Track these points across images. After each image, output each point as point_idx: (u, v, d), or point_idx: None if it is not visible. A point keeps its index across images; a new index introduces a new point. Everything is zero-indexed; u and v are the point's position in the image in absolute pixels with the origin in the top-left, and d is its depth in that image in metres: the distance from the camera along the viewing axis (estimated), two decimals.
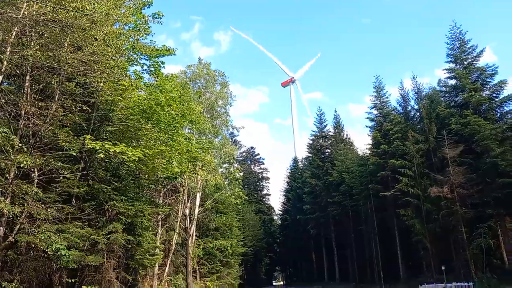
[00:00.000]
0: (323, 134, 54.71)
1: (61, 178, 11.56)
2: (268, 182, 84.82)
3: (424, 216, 30.11)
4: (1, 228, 9.86)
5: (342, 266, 46.00)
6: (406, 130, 33.51)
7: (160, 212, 19.22)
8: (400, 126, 34.24)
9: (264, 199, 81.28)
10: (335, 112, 75.50)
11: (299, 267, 67.38)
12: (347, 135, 56.05)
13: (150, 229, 16.59)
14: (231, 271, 35.75)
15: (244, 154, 79.25)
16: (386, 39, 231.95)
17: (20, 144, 8.87)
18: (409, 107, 37.20)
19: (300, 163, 70.80)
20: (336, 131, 53.93)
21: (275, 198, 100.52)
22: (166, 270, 22.38)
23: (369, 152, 39.02)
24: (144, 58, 14.81)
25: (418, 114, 36.13)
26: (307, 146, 56.67)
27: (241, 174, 45.83)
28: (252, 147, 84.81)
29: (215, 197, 30.66)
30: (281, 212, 76.00)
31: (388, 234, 35.60)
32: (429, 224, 29.68)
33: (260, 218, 69.54)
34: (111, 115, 14.11)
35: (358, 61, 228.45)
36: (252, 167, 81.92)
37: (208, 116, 29.45)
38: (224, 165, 31.88)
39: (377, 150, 35.54)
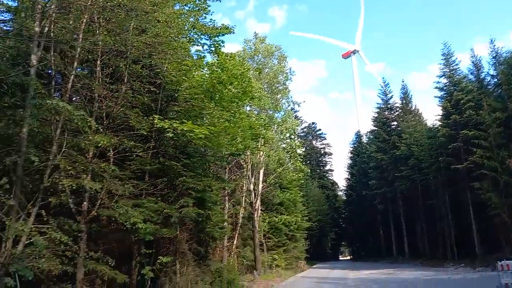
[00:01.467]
0: (389, 106, 52.32)
1: (134, 156, 12.27)
2: (331, 158, 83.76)
3: (501, 189, 28.00)
4: (85, 203, 10.75)
5: (411, 241, 44.56)
6: (479, 98, 30.96)
7: (226, 188, 19.80)
8: (473, 95, 31.72)
9: (327, 175, 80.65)
10: (402, 82, 72.00)
11: (366, 242, 66.43)
12: (415, 106, 53.17)
13: (218, 203, 17.20)
14: (297, 245, 36.21)
15: (305, 129, 78.79)
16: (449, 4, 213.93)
17: (96, 125, 9.49)
18: (483, 74, 34.24)
19: (363, 137, 68.82)
20: (404, 102, 51.28)
21: (338, 173, 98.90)
22: (235, 242, 23.18)
23: (439, 123, 36.77)
24: (204, 38, 15.04)
25: (494, 81, 33.14)
26: (372, 119, 54.74)
27: (303, 149, 45.67)
28: (313, 123, 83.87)
29: (277, 172, 30.93)
30: (345, 188, 74.94)
31: (461, 208, 33.68)
32: (508, 197, 27.56)
33: (324, 194, 69.21)
34: (176, 95, 14.60)
35: (420, 29, 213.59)
36: (313, 142, 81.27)
37: (268, 92, 29.44)
38: (286, 141, 31.90)
39: (448, 121, 33.36)
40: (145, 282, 12.70)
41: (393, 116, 51.58)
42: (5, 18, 10.96)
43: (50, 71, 11.07)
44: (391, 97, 52.33)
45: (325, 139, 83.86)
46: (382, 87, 52.75)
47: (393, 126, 50.69)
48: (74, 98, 12.22)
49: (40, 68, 9.80)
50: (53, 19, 9.84)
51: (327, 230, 68.75)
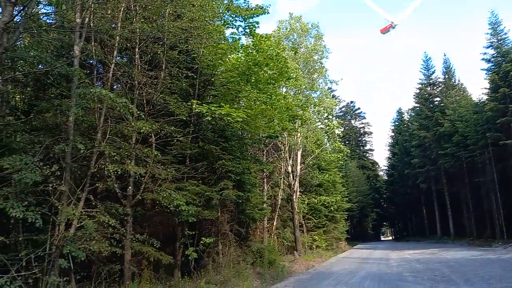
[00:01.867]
0: (431, 81, 50.10)
1: (175, 141, 12.55)
2: (371, 137, 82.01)
3: None
4: (130, 187, 11.17)
5: (456, 221, 43.13)
6: None
7: (265, 170, 19.93)
8: None
9: (367, 155, 79.19)
10: (444, 56, 68.48)
11: (408, 222, 65.18)
12: (458, 80, 50.68)
13: (257, 185, 17.37)
14: (337, 226, 36.05)
15: (343, 109, 77.30)
16: None
17: (138, 112, 9.76)
18: None
19: (405, 114, 66.64)
20: (446, 77, 48.97)
21: (378, 153, 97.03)
22: (274, 224, 23.41)
23: (486, 97, 34.83)
24: (239, 20, 14.94)
25: None
26: (413, 95, 52.71)
27: (342, 129, 44.92)
28: (351, 101, 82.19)
29: (316, 153, 30.68)
30: (386, 167, 73.39)
31: (510, 185, 32.11)
32: None
33: (364, 174, 68.12)
34: (212, 79, 14.69)
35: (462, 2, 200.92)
36: (352, 122, 79.72)
37: (304, 71, 29.01)
38: (324, 121, 31.49)
39: (496, 94, 31.50)
40: (189, 262, 13.12)
41: (436, 92, 49.44)
42: (48, 11, 11.37)
43: (91, 61, 11.44)
44: (433, 72, 50.09)
45: (364, 118, 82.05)
46: (424, 61, 50.52)
47: (436, 102, 48.63)
48: (115, 86, 12.60)
49: (82, 58, 10.15)
50: (92, 9, 10.09)
51: (368, 210, 67.88)
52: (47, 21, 11.19)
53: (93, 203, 9.82)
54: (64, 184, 8.47)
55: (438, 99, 48.70)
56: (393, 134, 69.06)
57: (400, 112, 69.62)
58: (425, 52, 59.39)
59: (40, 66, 9.87)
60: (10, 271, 7.45)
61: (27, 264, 7.89)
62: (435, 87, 49.96)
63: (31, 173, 7.12)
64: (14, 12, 7.52)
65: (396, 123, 69.11)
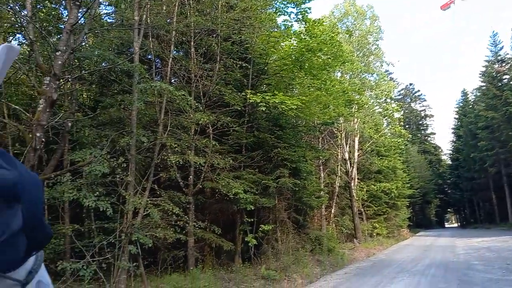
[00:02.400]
0: (499, 58, 46.34)
1: (231, 131, 12.78)
2: (432, 120, 78.00)
3: None
4: (191, 177, 11.57)
5: None
6: None
7: (320, 157, 19.71)
8: None
9: (429, 139, 75.50)
10: None
11: (476, 209, 61.40)
12: None
13: (313, 173, 17.23)
14: (398, 213, 34.89)
15: (402, 92, 74.08)
16: None
17: (196, 104, 10.05)
18: None
19: (469, 95, 62.41)
20: None
21: (441, 137, 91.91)
22: (332, 211, 23.16)
23: None
24: (290, 6, 14.73)
25: None
26: (479, 74, 49.13)
27: (401, 113, 43.12)
28: (410, 84, 78.66)
29: (374, 139, 29.77)
30: (450, 151, 69.41)
31: None
32: None
33: (426, 159, 65.12)
34: (265, 68, 14.70)
35: None
36: (412, 105, 76.25)
37: (360, 54, 28.10)
38: (382, 105, 30.39)
39: None
40: (249, 249, 13.40)
41: (504, 69, 45.65)
42: (108, 11, 11.97)
43: (150, 56, 11.91)
44: (501, 48, 46.25)
45: (424, 100, 78.36)
46: (491, 37, 46.83)
47: (504, 80, 44.96)
48: (173, 80, 13.03)
49: (141, 54, 10.59)
50: (149, 7, 10.47)
51: (431, 197, 64.91)
52: (108, 20, 11.79)
53: (158, 192, 10.32)
54: (130, 175, 8.97)
55: (507, 76, 44.97)
56: (457, 116, 65.00)
57: (464, 93, 65.24)
58: (491, 27, 54.97)
59: (103, 64, 10.46)
60: (86, 256, 8.07)
61: (100, 250, 8.49)
62: (503, 64, 46.14)
63: (100, 165, 7.60)
64: (78, 14, 7.99)
65: (461, 104, 64.94)
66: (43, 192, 1.05)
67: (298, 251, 14.86)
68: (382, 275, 13.88)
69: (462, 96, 65.71)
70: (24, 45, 9.27)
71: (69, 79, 8.78)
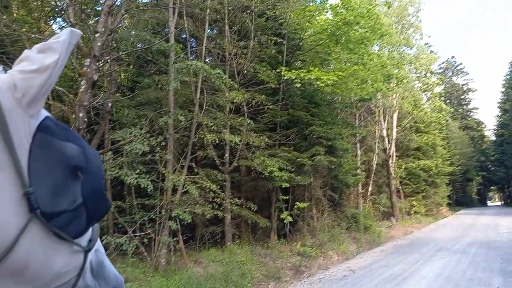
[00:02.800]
0: None
1: (266, 109, 12.73)
2: (475, 94, 74.21)
3: None
4: (226, 155, 11.72)
5: None
6: None
7: (357, 134, 19.32)
8: None
9: (471, 114, 72.24)
10: None
11: None
12: None
13: (349, 150, 16.94)
14: (437, 191, 33.94)
15: (443, 65, 70.77)
16: None
17: (231, 82, 10.04)
18: None
19: None
20: None
21: (484, 112, 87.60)
22: (369, 189, 22.84)
23: None
24: None
25: None
26: None
27: (442, 87, 41.39)
28: (452, 57, 75.18)
29: (413, 115, 28.82)
30: (495, 127, 66.17)
31: None
32: None
33: (467, 135, 62.52)
34: (301, 43, 14.40)
35: None
36: (454, 79, 72.86)
37: (399, 27, 26.95)
38: (422, 79, 29.22)
39: None
40: (284, 226, 13.53)
41: None
42: None
43: (184, 36, 11.95)
44: None
45: (467, 74, 74.39)
46: None
47: None
48: (207, 59, 13.06)
49: (176, 34, 10.64)
50: None
51: (473, 174, 62.52)
52: (143, 1, 11.88)
53: (195, 170, 10.55)
54: (168, 153, 9.19)
55: None
56: (503, 89, 61.51)
57: None
58: None
59: (139, 45, 10.61)
60: (128, 232, 8.44)
61: (141, 226, 8.85)
62: None
63: (140, 144, 7.82)
64: None
65: (508, 77, 61.30)
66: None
67: (334, 229, 14.86)
68: (420, 253, 13.67)
69: (509, 69, 62.01)
70: (64, 28, 9.54)
71: (108, 60, 8.99)
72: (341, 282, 9.58)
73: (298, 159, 12.90)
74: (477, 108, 73.70)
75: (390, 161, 26.38)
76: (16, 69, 0.90)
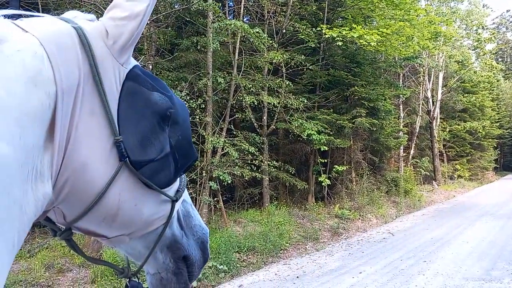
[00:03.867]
0: None
1: (305, 70, 12.41)
2: None
3: None
4: (264, 117, 11.65)
5: None
6: None
7: (401, 95, 18.56)
8: None
9: None
10: None
11: None
12: None
13: (392, 112, 16.35)
14: (484, 155, 32.50)
15: (496, 20, 65.62)
16: None
17: (270, 41, 9.79)
18: None
19: None
20: None
21: None
22: (411, 152, 22.20)
23: None
24: None
25: None
26: None
27: (494, 44, 38.65)
28: (508, 10, 69.14)
29: (460, 75, 27.26)
30: None
31: None
32: None
33: None
34: None
35: None
36: (508, 35, 67.61)
37: None
38: (472, 36, 27.31)
39: None
40: (322, 189, 13.52)
41: None
42: None
43: None
44: None
45: None
46: None
47: None
48: (245, 19, 12.74)
49: None
50: None
51: None
52: None
53: (234, 133, 10.60)
54: (208, 115, 9.25)
55: None
56: None
57: None
58: None
59: (177, 6, 10.47)
60: None
61: None
62: None
63: None
64: None
65: None
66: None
67: (373, 192, 14.69)
68: (463, 217, 13.35)
69: None
70: None
71: (147, 22, 8.97)
72: (379, 244, 9.57)
73: (337, 122, 12.63)
74: None
75: (434, 123, 25.38)
76: (107, 17, 0.90)
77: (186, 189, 1.12)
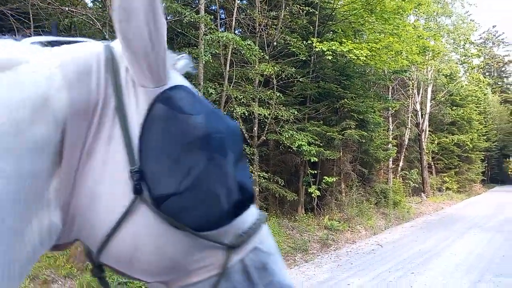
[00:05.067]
0: None
1: (296, 82, 12.53)
2: None
3: None
4: (255, 128, 11.70)
5: None
6: None
7: (390, 108, 18.81)
8: None
9: (511, 87, 68.73)
10: None
11: None
12: None
13: (381, 124, 16.54)
14: (471, 167, 32.91)
15: (483, 35, 66.93)
16: None
17: (261, 53, 9.89)
18: None
19: None
20: None
21: None
22: (400, 164, 22.42)
23: None
24: None
25: None
26: None
27: (481, 58, 39.42)
28: (493, 26, 70.76)
29: (448, 88, 27.73)
30: None
31: None
32: None
33: (507, 109, 59.79)
34: (333, 13, 13.94)
35: None
36: (494, 50, 69.04)
37: None
38: (459, 50, 27.85)
39: None
40: (312, 200, 13.55)
41: None
42: None
43: (214, 7, 11.78)
44: None
45: (509, 44, 70.11)
46: None
47: None
48: (237, 31, 12.87)
49: (206, 5, 10.49)
50: None
51: (510, 150, 60.13)
52: None
53: None
54: None
55: None
56: None
57: None
58: None
59: (169, 17, 10.55)
60: None
61: None
62: None
63: None
64: None
65: None
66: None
67: (362, 204, 14.77)
68: (451, 230, 13.46)
69: None
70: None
71: None
72: (368, 256, 9.60)
73: (327, 133, 12.74)
74: None
75: (423, 136, 25.69)
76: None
77: (268, 233, 0.92)
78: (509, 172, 70.32)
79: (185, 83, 0.89)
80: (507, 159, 64.05)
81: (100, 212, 0.76)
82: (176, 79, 0.86)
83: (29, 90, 0.70)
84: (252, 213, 0.90)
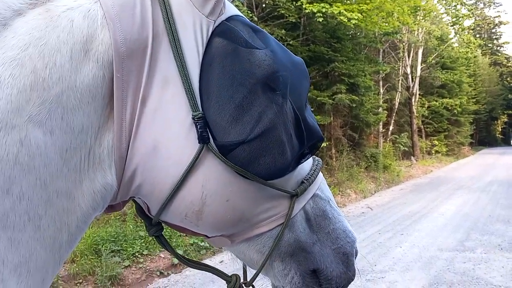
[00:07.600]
0: None
1: (285, 45, 12.23)
2: (507, 28, 70.08)
3: None
4: None
5: None
6: None
7: (381, 71, 18.63)
8: None
9: (501, 49, 68.67)
10: None
11: None
12: None
13: (372, 88, 16.42)
14: (460, 130, 33.23)
15: None
16: None
17: (250, 15, 9.56)
18: None
19: None
20: None
21: None
22: (390, 128, 22.50)
23: None
24: None
25: None
26: None
27: (472, 20, 39.07)
28: None
29: (439, 51, 27.51)
30: None
31: None
32: None
33: (496, 71, 59.95)
34: None
35: None
36: (485, 11, 68.38)
37: None
38: (451, 11, 27.45)
39: None
40: None
41: None
42: None
43: None
44: None
45: (500, 5, 69.51)
46: None
47: None
48: None
49: None
50: None
51: (498, 113, 60.83)
52: None
53: None
54: None
55: None
56: None
57: None
58: None
59: None
60: None
61: None
62: None
63: None
64: None
65: None
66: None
67: (352, 168, 14.87)
68: (439, 191, 13.69)
69: None
70: None
71: None
72: (359, 219, 9.74)
73: (318, 98, 12.62)
74: (508, 43, 69.24)
75: (413, 100, 25.70)
76: None
77: (323, 180, 0.89)
78: (497, 135, 71.51)
79: (239, 12, 0.80)
80: (495, 121, 64.90)
81: (163, 166, 0.69)
82: (230, 8, 0.77)
83: (66, 33, 0.60)
84: (308, 160, 0.85)
